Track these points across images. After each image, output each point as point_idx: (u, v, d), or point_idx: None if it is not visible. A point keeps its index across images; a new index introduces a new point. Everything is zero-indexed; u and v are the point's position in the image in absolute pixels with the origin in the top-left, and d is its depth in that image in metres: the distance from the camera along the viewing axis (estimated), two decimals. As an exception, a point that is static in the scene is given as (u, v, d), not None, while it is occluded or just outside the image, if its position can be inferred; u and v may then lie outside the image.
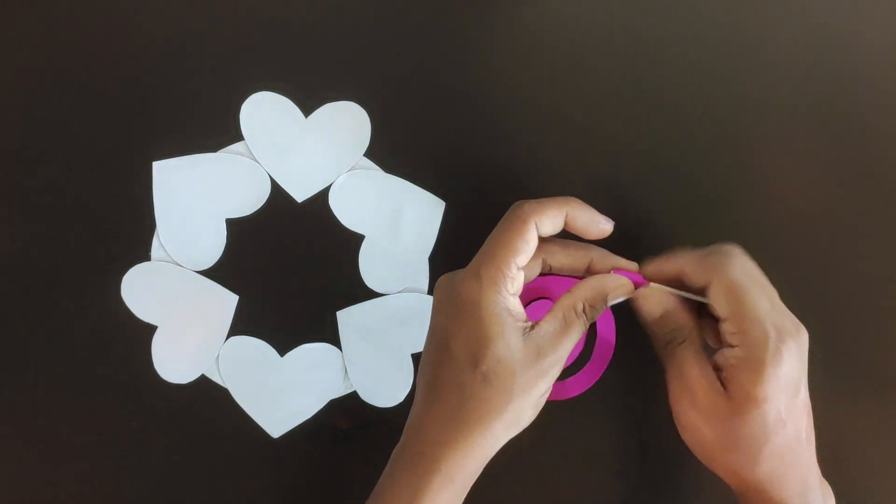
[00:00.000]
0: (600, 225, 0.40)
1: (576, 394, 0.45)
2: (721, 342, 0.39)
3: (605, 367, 0.45)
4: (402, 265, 0.47)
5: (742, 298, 0.37)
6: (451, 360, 0.38)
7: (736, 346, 0.37)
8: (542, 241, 0.40)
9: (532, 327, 0.38)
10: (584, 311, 0.39)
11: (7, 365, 0.47)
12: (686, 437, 0.40)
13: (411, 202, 0.47)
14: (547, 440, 0.45)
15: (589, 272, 0.41)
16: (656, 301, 0.40)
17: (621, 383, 0.47)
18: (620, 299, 0.40)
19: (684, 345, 0.39)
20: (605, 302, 0.39)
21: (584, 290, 0.39)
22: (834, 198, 0.46)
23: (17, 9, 0.46)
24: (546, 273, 0.41)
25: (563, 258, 0.41)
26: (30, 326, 0.47)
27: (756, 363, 0.36)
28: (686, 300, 0.40)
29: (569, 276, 0.41)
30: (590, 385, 0.45)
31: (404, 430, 0.40)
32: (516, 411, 0.38)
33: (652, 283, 0.40)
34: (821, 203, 0.46)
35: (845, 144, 0.46)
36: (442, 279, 0.40)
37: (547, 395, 0.39)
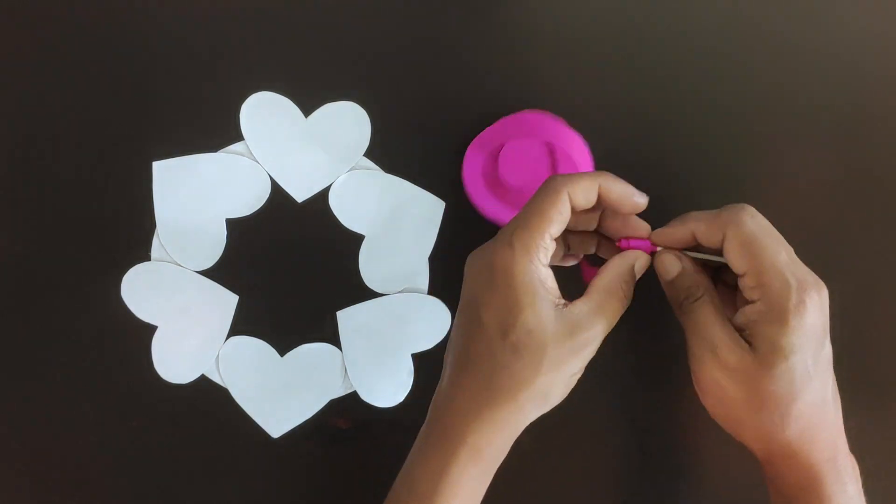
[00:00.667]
0: (634, 198, 0.39)
1: None
2: (738, 304, 0.38)
3: None
4: (402, 265, 0.47)
5: (759, 250, 0.36)
6: (482, 330, 0.37)
7: (757, 299, 0.36)
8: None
9: (566, 305, 0.37)
10: (620, 287, 0.38)
11: (7, 365, 0.47)
12: (709, 402, 0.39)
13: (411, 202, 0.47)
14: (547, 441, 0.45)
15: (601, 228, 0.41)
16: (671, 261, 0.39)
17: (621, 385, 0.47)
18: (646, 268, 0.39)
19: (701, 300, 0.38)
20: (634, 274, 0.39)
21: (614, 268, 0.39)
22: (835, 197, 0.46)
23: (17, 9, 0.46)
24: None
25: (577, 213, 0.39)
26: (30, 326, 0.47)
27: (780, 313, 0.35)
28: (701, 263, 0.40)
29: (582, 231, 0.41)
30: None
31: (431, 405, 0.40)
32: (545, 386, 0.37)
33: (661, 249, 0.39)
34: (821, 203, 0.46)
35: (848, 143, 0.46)
36: (472, 254, 0.39)
37: (579, 375, 0.38)
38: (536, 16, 0.46)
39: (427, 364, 0.47)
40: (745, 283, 0.37)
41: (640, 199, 0.39)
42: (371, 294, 0.47)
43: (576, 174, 0.38)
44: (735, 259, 0.37)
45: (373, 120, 0.46)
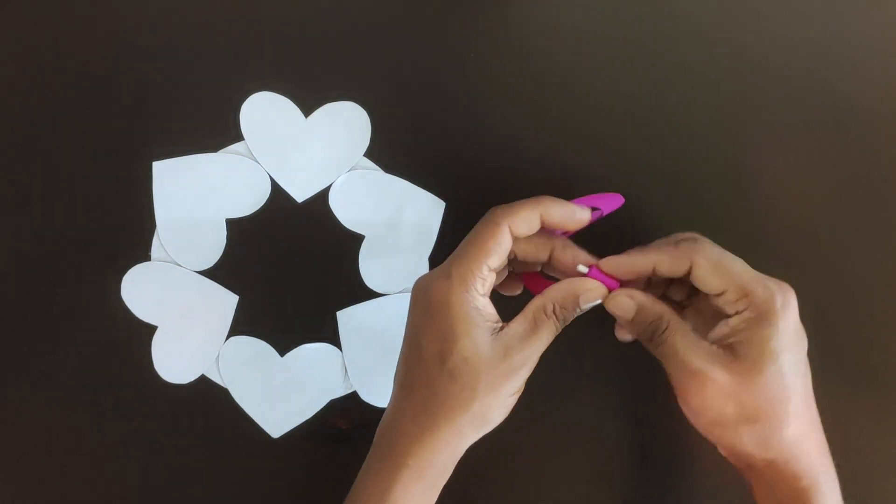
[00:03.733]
0: (576, 215, 0.40)
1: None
2: (705, 327, 0.39)
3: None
4: (402, 265, 0.47)
5: (732, 268, 0.38)
6: (421, 357, 0.39)
7: (743, 309, 0.37)
8: None
9: (502, 328, 0.39)
10: (553, 312, 0.39)
11: (7, 365, 0.47)
12: (702, 424, 0.39)
13: (411, 202, 0.47)
14: (546, 440, 0.45)
15: (552, 261, 0.41)
16: (625, 301, 0.39)
17: (621, 383, 0.47)
18: (594, 302, 0.39)
19: (669, 330, 0.38)
20: (578, 304, 0.39)
21: (555, 292, 0.39)
22: (833, 198, 0.46)
23: (17, 9, 0.46)
24: (511, 259, 0.41)
25: (526, 246, 0.40)
26: (30, 326, 0.47)
27: (769, 316, 0.36)
28: (657, 291, 0.40)
29: (532, 262, 0.41)
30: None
31: (378, 427, 0.41)
32: (482, 409, 0.38)
33: (613, 292, 0.39)
34: (820, 204, 0.46)
35: (843, 145, 0.46)
36: (418, 280, 0.40)
37: (517, 395, 0.39)
38: (537, 16, 0.46)
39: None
40: (727, 299, 0.38)
41: (582, 214, 0.40)
42: (371, 294, 0.47)
43: (515, 204, 0.39)
44: (710, 281, 0.38)
45: (373, 120, 0.46)
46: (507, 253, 0.39)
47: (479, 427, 0.39)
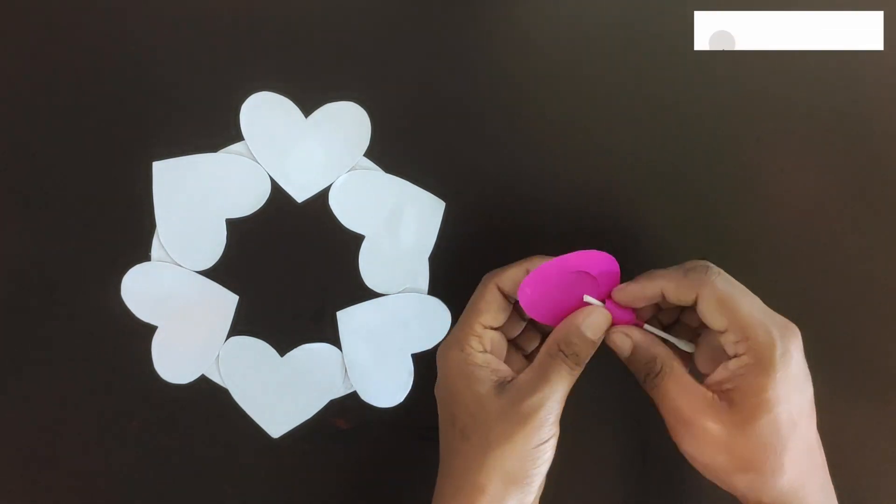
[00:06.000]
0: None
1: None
2: (713, 362, 0.38)
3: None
4: (402, 265, 0.47)
5: (737, 305, 0.37)
6: (442, 426, 0.40)
7: (743, 353, 0.36)
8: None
9: (512, 379, 0.38)
10: (560, 350, 0.38)
11: (7, 365, 0.47)
12: (698, 466, 0.38)
13: (411, 202, 0.47)
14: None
15: None
16: (621, 339, 0.39)
17: (621, 383, 0.47)
18: (602, 327, 0.39)
19: (662, 373, 0.38)
20: (582, 335, 0.38)
21: (556, 332, 0.39)
22: (833, 198, 0.46)
23: (16, 9, 0.46)
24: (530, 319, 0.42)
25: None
26: (30, 326, 0.47)
27: (767, 365, 0.35)
28: (671, 316, 0.40)
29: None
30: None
31: None
32: (502, 462, 0.36)
33: (612, 329, 0.39)
34: (819, 204, 0.46)
35: (843, 145, 0.46)
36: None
37: (545, 447, 0.37)
38: (538, 15, 0.46)
39: (427, 364, 0.47)
40: (728, 339, 0.37)
41: None
42: (371, 294, 0.47)
43: (505, 266, 0.40)
44: (713, 317, 0.37)
45: (373, 120, 0.46)
46: (502, 310, 0.40)
47: (506, 484, 0.37)
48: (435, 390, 0.41)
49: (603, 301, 0.40)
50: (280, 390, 0.47)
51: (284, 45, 0.46)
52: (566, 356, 0.38)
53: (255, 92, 0.46)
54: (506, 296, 0.40)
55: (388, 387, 0.47)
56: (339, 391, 0.47)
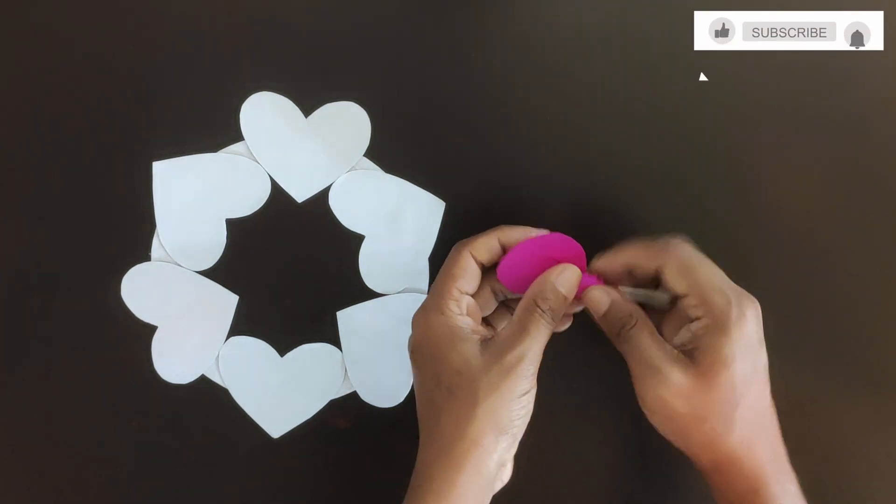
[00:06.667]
0: (531, 235, 0.42)
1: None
2: (672, 326, 0.40)
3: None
4: (402, 265, 0.47)
5: (698, 271, 0.39)
6: (425, 391, 0.40)
7: (702, 315, 0.38)
8: (486, 274, 0.42)
9: (492, 337, 0.40)
10: (537, 305, 0.40)
11: (7, 365, 0.47)
12: (656, 420, 0.40)
13: (411, 202, 0.47)
14: (546, 440, 0.45)
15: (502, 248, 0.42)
16: (599, 296, 0.41)
17: (620, 383, 0.47)
18: (573, 284, 0.41)
19: (637, 327, 0.40)
20: (556, 290, 0.40)
21: (532, 288, 0.41)
22: (832, 198, 0.46)
23: (16, 9, 0.46)
24: (502, 300, 0.43)
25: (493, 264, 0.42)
26: (30, 326, 0.47)
27: (723, 325, 0.38)
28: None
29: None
30: None
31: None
32: (489, 413, 0.38)
33: (589, 287, 0.41)
34: (819, 204, 0.46)
35: (843, 145, 0.46)
36: (408, 339, 0.42)
37: (527, 397, 0.39)
38: (538, 16, 0.46)
39: (427, 364, 0.46)
40: (688, 303, 0.39)
41: (538, 234, 0.42)
42: (371, 294, 0.47)
43: (476, 235, 0.42)
44: (675, 282, 0.40)
45: (373, 120, 0.46)
46: (476, 276, 0.41)
47: (496, 435, 0.38)
48: (411, 356, 0.41)
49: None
50: (280, 390, 0.47)
51: (284, 45, 0.46)
52: (542, 311, 0.40)
53: (255, 92, 0.46)
54: (478, 263, 0.41)
55: (388, 387, 0.47)
56: (339, 391, 0.47)
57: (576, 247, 0.42)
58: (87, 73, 0.46)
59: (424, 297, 0.47)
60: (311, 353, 0.47)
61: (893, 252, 0.46)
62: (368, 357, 0.47)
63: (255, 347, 0.47)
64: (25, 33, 0.46)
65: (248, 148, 0.46)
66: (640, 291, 0.42)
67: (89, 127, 0.46)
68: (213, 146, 0.46)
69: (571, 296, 0.41)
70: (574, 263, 0.41)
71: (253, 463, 0.47)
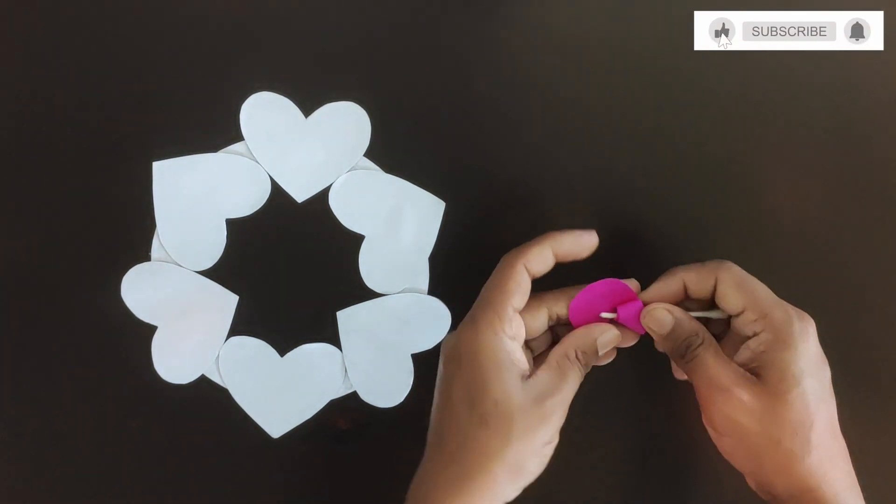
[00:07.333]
0: (583, 240, 0.40)
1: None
2: (733, 346, 0.39)
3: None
4: (402, 265, 0.47)
5: (754, 287, 0.38)
6: (451, 406, 0.39)
7: (761, 331, 0.38)
8: (544, 294, 0.41)
9: (531, 375, 0.39)
10: (577, 357, 0.39)
11: (7, 365, 0.47)
12: (726, 443, 0.39)
13: (411, 202, 0.47)
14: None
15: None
16: (662, 315, 0.40)
17: (621, 383, 0.47)
18: (611, 345, 0.40)
19: (703, 346, 0.39)
20: (596, 348, 0.40)
21: (576, 339, 0.40)
22: (833, 199, 0.46)
23: (16, 9, 0.46)
24: (554, 325, 0.42)
25: (565, 302, 0.41)
26: (30, 326, 0.47)
27: (788, 339, 0.37)
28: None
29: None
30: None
31: (411, 484, 0.40)
32: (517, 456, 0.37)
33: (650, 306, 0.40)
34: (819, 204, 0.46)
35: (843, 145, 0.46)
36: (444, 338, 0.41)
37: (552, 445, 0.39)
38: (537, 16, 0.46)
39: (427, 364, 0.46)
40: (746, 319, 0.38)
41: (589, 238, 0.41)
42: (371, 294, 0.47)
43: (526, 245, 0.40)
44: (732, 298, 0.39)
45: (373, 120, 0.46)
46: (527, 292, 0.40)
47: (514, 478, 0.38)
48: (447, 363, 0.40)
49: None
50: (280, 390, 0.47)
51: (284, 45, 0.46)
52: (581, 364, 0.39)
53: (255, 92, 0.46)
54: (530, 275, 0.40)
55: (388, 387, 0.47)
56: (339, 391, 0.47)
57: (628, 291, 0.41)
58: (86, 73, 0.46)
59: (424, 296, 0.47)
60: (311, 353, 0.47)
61: (893, 252, 0.46)
62: (368, 357, 0.47)
63: (255, 347, 0.47)
64: (25, 33, 0.46)
65: (248, 148, 0.46)
66: (697, 313, 0.41)
67: (89, 127, 0.46)
68: (213, 146, 0.46)
69: (604, 358, 0.41)
70: (628, 299, 0.41)
71: (253, 463, 0.47)
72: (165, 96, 0.46)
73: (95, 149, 0.46)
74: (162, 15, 0.46)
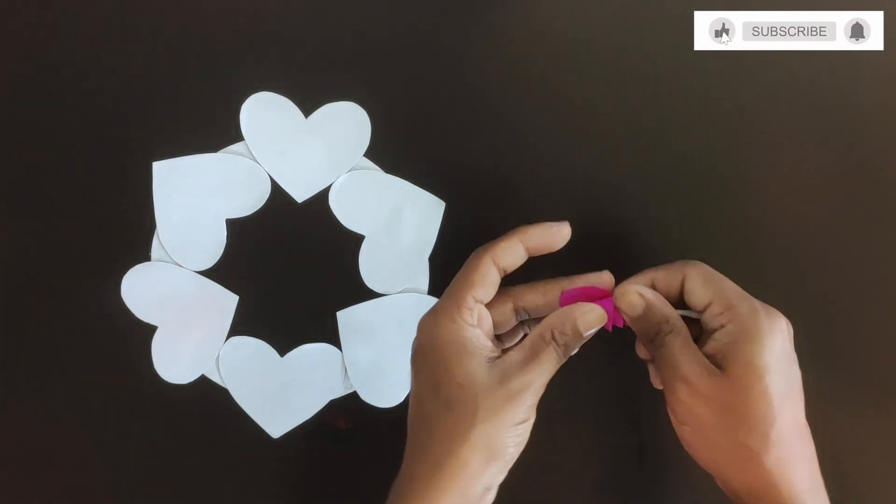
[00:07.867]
0: (553, 230, 0.40)
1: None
2: (703, 337, 0.39)
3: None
4: (402, 265, 0.47)
5: (721, 281, 0.39)
6: (418, 395, 0.39)
7: (727, 323, 0.37)
8: (511, 288, 0.41)
9: (499, 357, 0.38)
10: (553, 338, 0.38)
11: (7, 365, 0.47)
12: (686, 433, 0.39)
13: (411, 202, 0.47)
14: (545, 440, 0.45)
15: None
16: (634, 298, 0.39)
17: (620, 383, 0.47)
18: (595, 327, 0.39)
19: (672, 335, 0.38)
20: (576, 328, 0.39)
21: (553, 318, 0.39)
22: (832, 198, 0.46)
23: (16, 8, 0.46)
24: (525, 319, 0.42)
25: (533, 296, 0.41)
26: (30, 327, 0.47)
27: (753, 332, 0.36)
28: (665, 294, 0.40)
29: (548, 311, 0.41)
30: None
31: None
32: (485, 437, 0.37)
33: (622, 287, 0.40)
34: (819, 204, 0.46)
35: (843, 145, 0.46)
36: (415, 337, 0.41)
37: (526, 425, 0.38)
38: (537, 16, 0.46)
39: (427, 364, 0.46)
40: (712, 312, 0.38)
41: (559, 230, 0.40)
42: (371, 294, 0.47)
43: (495, 240, 0.40)
44: (698, 293, 0.39)
45: (373, 120, 0.46)
46: (494, 285, 0.39)
47: (487, 461, 0.37)
48: (412, 360, 0.40)
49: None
50: (280, 390, 0.47)
51: (284, 45, 0.46)
52: (558, 344, 0.38)
53: (255, 92, 0.46)
54: (499, 269, 0.40)
55: (388, 387, 0.47)
56: (339, 391, 0.47)
57: (604, 292, 0.41)
58: (87, 73, 0.46)
59: (424, 296, 0.47)
60: (311, 353, 0.47)
61: (893, 252, 0.46)
62: (368, 357, 0.47)
63: (255, 347, 0.47)
64: (25, 33, 0.46)
65: (248, 148, 0.46)
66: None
67: (89, 127, 0.46)
68: (213, 146, 0.46)
69: (587, 337, 0.39)
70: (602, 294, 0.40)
71: (253, 463, 0.47)
72: (165, 96, 0.46)
73: (96, 149, 0.46)
74: (162, 15, 0.46)
